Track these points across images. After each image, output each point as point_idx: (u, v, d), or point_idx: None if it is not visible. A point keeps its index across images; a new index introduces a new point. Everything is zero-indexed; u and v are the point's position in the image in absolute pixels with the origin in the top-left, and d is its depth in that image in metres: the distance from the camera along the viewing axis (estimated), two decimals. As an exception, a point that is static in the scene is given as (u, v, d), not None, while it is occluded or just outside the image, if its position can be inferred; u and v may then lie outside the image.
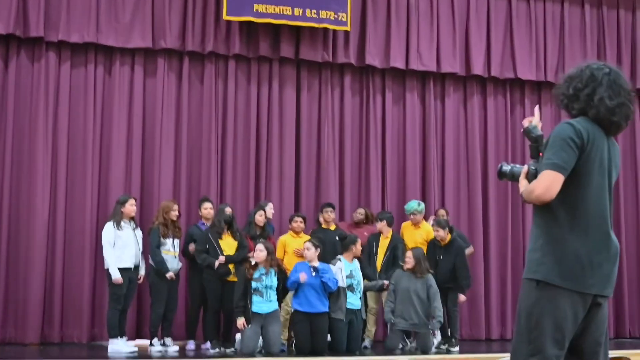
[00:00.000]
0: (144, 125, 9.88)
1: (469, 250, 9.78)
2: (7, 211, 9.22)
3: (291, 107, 10.42)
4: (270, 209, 9.32)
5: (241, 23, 9.96)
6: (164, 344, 8.56)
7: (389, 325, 8.75)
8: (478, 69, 10.88)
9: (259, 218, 9.00)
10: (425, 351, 8.51)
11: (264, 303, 8.19)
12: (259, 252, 8.23)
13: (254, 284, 8.17)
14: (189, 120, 10.04)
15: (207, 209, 9.05)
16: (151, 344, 8.56)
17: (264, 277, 8.22)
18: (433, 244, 9.16)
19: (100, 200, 9.53)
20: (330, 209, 9.41)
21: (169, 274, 8.45)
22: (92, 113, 9.65)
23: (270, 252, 8.36)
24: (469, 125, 11.03)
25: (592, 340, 3.25)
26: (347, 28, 10.23)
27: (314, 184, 10.45)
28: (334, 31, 10.32)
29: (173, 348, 8.57)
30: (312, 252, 8.38)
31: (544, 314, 3.13)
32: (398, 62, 10.59)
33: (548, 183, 3.11)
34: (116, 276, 8.19)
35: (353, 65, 10.59)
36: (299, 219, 9.17)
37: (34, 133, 9.37)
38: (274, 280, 8.27)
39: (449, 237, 9.03)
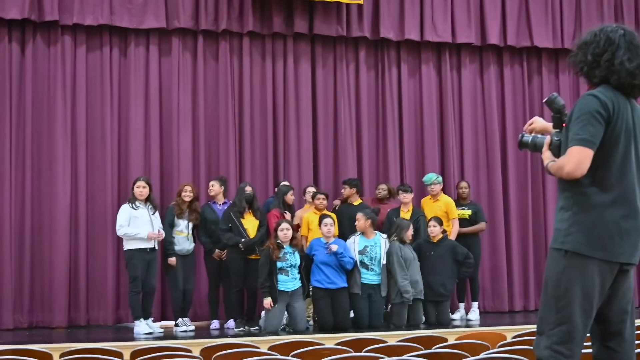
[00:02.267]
0: (161, 106, 9.93)
1: (479, 227, 9.75)
2: (30, 197, 9.32)
3: (306, 82, 10.43)
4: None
5: (254, 0, 9.94)
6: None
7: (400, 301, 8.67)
8: (494, 38, 10.80)
9: (290, 197, 9.12)
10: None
11: (289, 281, 8.30)
12: (286, 232, 8.30)
13: (279, 264, 8.26)
14: (206, 98, 10.08)
15: (209, 187, 9.17)
16: (176, 325, 8.66)
17: (288, 256, 8.30)
18: (426, 241, 9.08)
19: (120, 182, 9.63)
20: (345, 186, 9.43)
21: (170, 260, 8.60)
22: (109, 95, 9.72)
23: (294, 231, 8.45)
24: (486, 95, 10.98)
25: (619, 309, 3.27)
26: (360, 1, 10.17)
27: (332, 160, 10.48)
28: (348, 5, 10.28)
29: (189, 328, 8.68)
30: (332, 230, 8.46)
31: (572, 283, 3.15)
32: (413, 34, 10.54)
33: (579, 159, 3.10)
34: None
35: (367, 39, 10.56)
36: (322, 197, 9.21)
37: (52, 117, 9.46)
38: (297, 259, 8.35)
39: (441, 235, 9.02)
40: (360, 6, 10.34)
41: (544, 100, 3.50)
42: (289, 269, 8.32)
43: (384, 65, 10.73)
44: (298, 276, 8.39)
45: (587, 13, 11.17)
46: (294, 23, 10.17)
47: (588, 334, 3.29)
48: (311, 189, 9.38)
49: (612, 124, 3.15)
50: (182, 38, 10.02)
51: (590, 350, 3.42)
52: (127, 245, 8.48)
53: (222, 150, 9.98)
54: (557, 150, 3.29)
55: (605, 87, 3.23)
